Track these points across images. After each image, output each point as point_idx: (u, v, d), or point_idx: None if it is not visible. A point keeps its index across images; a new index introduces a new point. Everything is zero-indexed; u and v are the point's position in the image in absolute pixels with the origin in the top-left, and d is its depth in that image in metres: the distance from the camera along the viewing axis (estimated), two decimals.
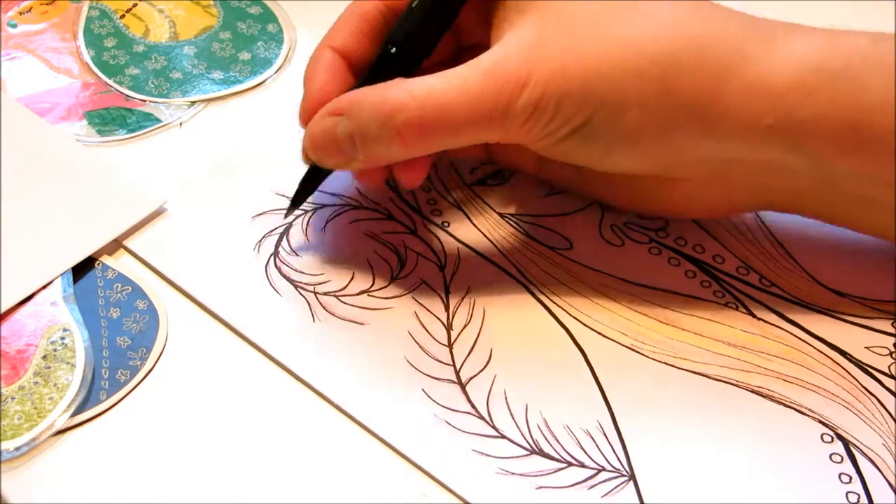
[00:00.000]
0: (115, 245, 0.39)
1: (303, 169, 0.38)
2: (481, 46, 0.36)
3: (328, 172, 0.38)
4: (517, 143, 0.35)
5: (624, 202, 0.40)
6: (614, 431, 0.35)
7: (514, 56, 0.33)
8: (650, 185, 0.37)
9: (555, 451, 0.34)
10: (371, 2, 0.37)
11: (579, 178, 0.39)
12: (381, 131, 0.34)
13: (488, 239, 0.40)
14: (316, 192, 0.41)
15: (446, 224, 0.41)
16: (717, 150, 0.34)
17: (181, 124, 0.44)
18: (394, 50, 0.36)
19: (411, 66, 0.36)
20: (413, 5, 0.36)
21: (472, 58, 0.34)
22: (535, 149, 0.35)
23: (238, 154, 0.43)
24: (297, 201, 0.39)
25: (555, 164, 0.38)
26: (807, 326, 0.38)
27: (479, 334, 0.37)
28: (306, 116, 0.37)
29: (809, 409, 0.36)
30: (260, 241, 0.40)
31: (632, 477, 0.34)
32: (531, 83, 0.33)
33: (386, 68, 0.36)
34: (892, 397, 0.36)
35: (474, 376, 0.36)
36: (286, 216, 0.40)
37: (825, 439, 0.35)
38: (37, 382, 0.35)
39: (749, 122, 0.33)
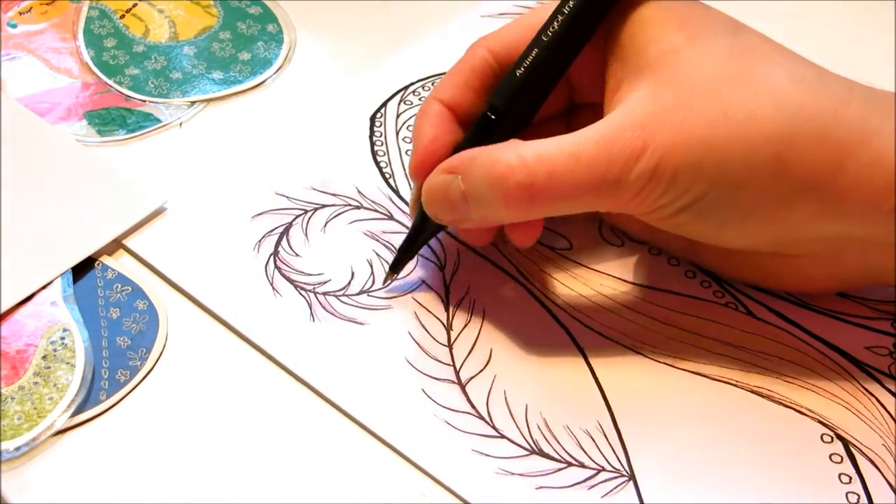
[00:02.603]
0: (115, 245, 0.39)
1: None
2: (594, 104, 0.36)
3: (433, 231, 0.38)
4: (627, 213, 0.34)
5: (735, 274, 0.39)
6: (614, 431, 0.35)
7: (629, 125, 0.32)
8: (763, 259, 0.36)
9: (554, 451, 0.34)
10: (482, 55, 0.37)
11: (691, 248, 0.38)
12: (491, 193, 0.33)
13: None
14: (316, 192, 0.41)
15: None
16: (835, 229, 0.33)
17: (181, 124, 0.44)
18: (493, 117, 0.35)
19: (513, 130, 0.35)
20: (517, 73, 0.35)
21: (585, 115, 0.34)
22: (645, 220, 0.35)
23: (238, 154, 0.43)
24: (400, 262, 0.38)
25: (666, 234, 0.37)
26: (807, 326, 0.38)
27: (478, 334, 0.37)
28: (416, 169, 0.37)
29: (809, 409, 0.36)
30: (260, 241, 0.40)
31: (631, 477, 0.34)
32: (646, 155, 0.32)
33: (486, 133, 0.35)
34: (892, 397, 0.36)
35: (474, 376, 0.36)
36: (385, 281, 0.38)
37: (825, 439, 0.35)
38: (37, 382, 0.35)
39: (870, 202, 0.32)
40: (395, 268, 0.38)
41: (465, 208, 0.34)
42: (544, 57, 0.35)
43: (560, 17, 0.34)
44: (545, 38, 0.35)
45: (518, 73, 0.35)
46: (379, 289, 0.38)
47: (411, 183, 0.38)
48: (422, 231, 0.38)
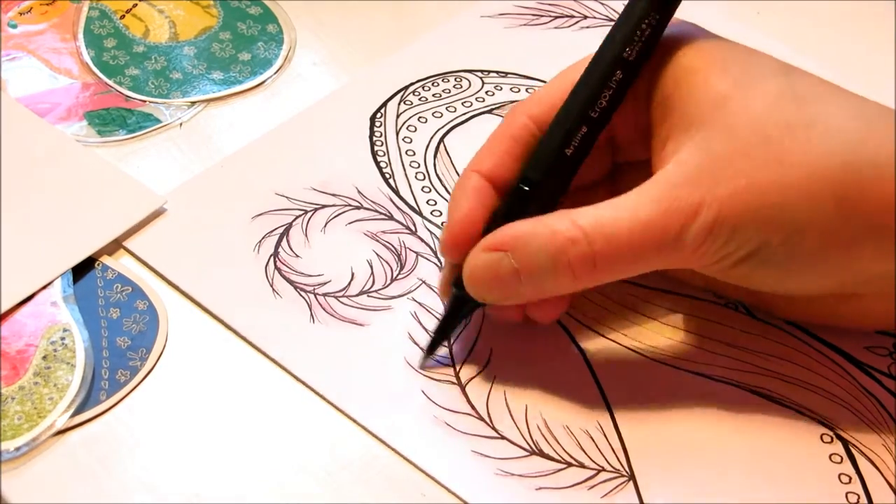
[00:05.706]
0: (115, 245, 0.39)
1: None
2: (639, 163, 0.35)
3: (471, 309, 0.36)
4: (689, 268, 0.33)
5: (799, 317, 0.38)
6: (614, 432, 0.35)
7: (683, 182, 0.31)
8: (826, 302, 0.36)
9: (554, 451, 0.34)
10: (522, 123, 0.35)
11: (753, 296, 0.37)
12: (551, 267, 0.32)
13: None
14: (316, 192, 0.41)
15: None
16: None
17: (181, 125, 0.44)
18: (527, 189, 0.34)
19: (550, 201, 0.34)
20: (566, 152, 0.34)
21: (630, 175, 0.33)
22: (707, 273, 0.34)
23: (238, 154, 0.43)
24: (436, 344, 0.36)
25: (727, 284, 0.36)
26: (807, 326, 0.38)
27: (478, 334, 0.37)
28: (451, 245, 0.35)
29: (809, 409, 0.36)
30: (260, 241, 0.40)
31: (631, 477, 0.34)
32: (704, 209, 0.31)
33: (520, 205, 0.34)
34: (891, 397, 0.36)
35: (474, 377, 0.36)
36: (422, 365, 0.36)
37: (825, 440, 0.35)
38: (37, 383, 0.35)
39: None
40: (431, 351, 0.37)
41: (515, 286, 0.33)
42: (593, 133, 0.34)
43: (608, 93, 0.33)
44: (593, 115, 0.33)
45: (567, 151, 0.34)
46: (381, 288, 0.38)
47: (442, 260, 0.36)
48: (459, 310, 0.36)
